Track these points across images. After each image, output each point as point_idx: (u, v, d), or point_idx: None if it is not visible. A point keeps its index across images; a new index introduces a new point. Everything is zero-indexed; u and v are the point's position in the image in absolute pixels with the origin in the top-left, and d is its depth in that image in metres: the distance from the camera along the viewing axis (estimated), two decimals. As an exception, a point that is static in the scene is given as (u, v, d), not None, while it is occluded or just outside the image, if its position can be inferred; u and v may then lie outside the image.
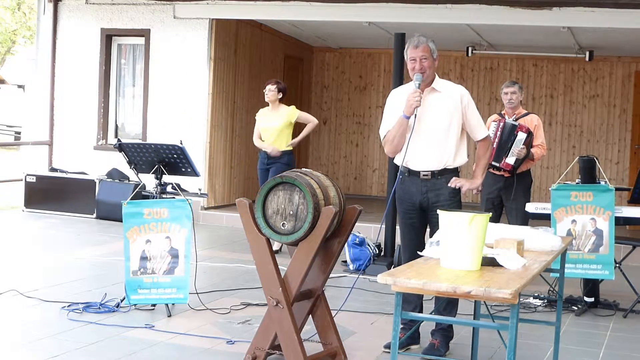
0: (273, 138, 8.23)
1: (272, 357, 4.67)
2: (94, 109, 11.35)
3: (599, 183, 6.41)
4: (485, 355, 4.99)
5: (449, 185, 4.94)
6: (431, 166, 4.96)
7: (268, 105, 8.37)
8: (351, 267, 7.74)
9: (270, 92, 8.20)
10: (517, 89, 7.03)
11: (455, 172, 5.01)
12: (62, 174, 10.85)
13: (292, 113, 8.28)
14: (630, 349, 5.39)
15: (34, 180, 10.81)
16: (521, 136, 6.80)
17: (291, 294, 4.41)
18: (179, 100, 10.87)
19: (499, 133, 6.85)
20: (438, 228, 4.52)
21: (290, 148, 8.30)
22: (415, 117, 4.85)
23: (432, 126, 4.93)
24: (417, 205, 5.02)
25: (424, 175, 4.97)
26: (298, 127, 8.49)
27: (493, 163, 6.83)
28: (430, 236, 4.98)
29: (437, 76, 5.04)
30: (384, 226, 7.78)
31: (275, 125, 8.19)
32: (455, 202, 4.93)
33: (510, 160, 6.84)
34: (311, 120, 8.39)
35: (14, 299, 5.92)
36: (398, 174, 5.09)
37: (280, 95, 8.25)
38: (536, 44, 11.88)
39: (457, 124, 4.95)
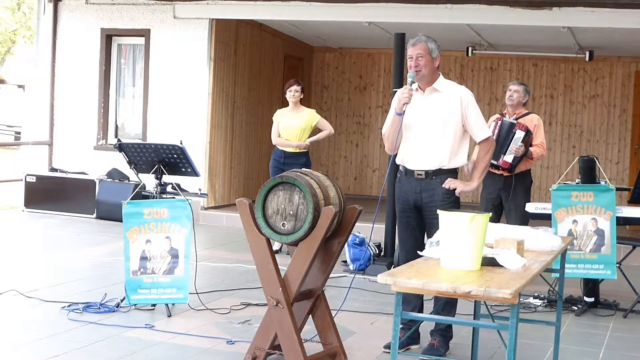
0: (294, 137, 8.27)
1: (272, 357, 4.67)
2: (94, 109, 11.35)
3: (599, 183, 6.41)
4: (485, 355, 4.99)
5: (443, 185, 4.94)
6: (425, 166, 4.96)
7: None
8: (351, 267, 7.74)
9: (297, 92, 8.27)
10: (522, 89, 7.04)
11: (452, 173, 4.99)
12: (62, 174, 10.85)
13: (314, 116, 8.36)
14: (630, 349, 5.39)
15: (34, 180, 10.80)
16: (519, 134, 6.79)
17: (291, 294, 4.41)
18: (179, 100, 10.87)
19: (497, 131, 6.85)
20: (433, 228, 4.55)
21: (307, 150, 8.36)
22: (403, 114, 4.86)
23: (428, 126, 4.93)
24: (412, 204, 5.03)
25: (418, 174, 4.98)
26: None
27: (491, 161, 6.82)
28: (427, 236, 5.00)
29: (441, 76, 5.04)
30: (380, 226, 7.79)
31: (298, 125, 8.25)
32: (450, 203, 4.90)
33: (508, 158, 6.83)
34: (328, 128, 8.47)
35: (14, 299, 5.92)
36: (387, 172, 5.12)
37: (302, 96, 8.33)
38: (536, 44, 11.89)
39: (454, 124, 4.94)
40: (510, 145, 6.79)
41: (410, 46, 4.94)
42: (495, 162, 6.85)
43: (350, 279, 6.33)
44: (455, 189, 4.93)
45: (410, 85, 4.88)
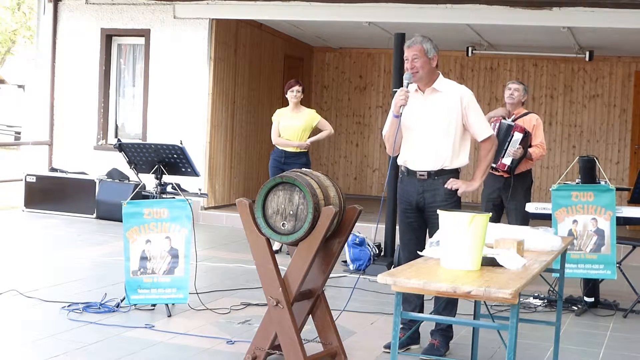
0: (295, 137, 8.28)
1: (272, 357, 4.67)
2: (94, 109, 11.35)
3: (599, 183, 6.41)
4: (485, 355, 4.99)
5: (445, 186, 4.93)
6: (427, 166, 4.95)
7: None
8: (351, 267, 7.75)
9: (298, 93, 8.28)
10: (522, 88, 7.04)
11: (454, 173, 4.99)
12: (62, 174, 10.85)
13: (314, 116, 8.38)
14: (630, 349, 5.39)
15: (34, 180, 10.80)
16: (517, 136, 6.78)
17: (291, 294, 4.41)
18: (179, 100, 10.87)
19: (495, 133, 6.83)
20: (435, 228, 4.54)
21: (307, 150, 8.36)
22: (401, 116, 4.86)
23: (429, 127, 4.93)
24: (414, 205, 5.02)
25: (420, 175, 4.97)
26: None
27: None
28: (429, 236, 5.00)
29: (441, 76, 5.03)
30: (380, 226, 7.79)
31: (298, 125, 8.26)
32: (452, 203, 4.91)
33: (507, 160, 6.83)
34: (328, 129, 8.49)
35: (14, 299, 5.92)
36: (388, 172, 5.11)
37: (302, 96, 8.34)
38: (536, 44, 11.88)
39: (455, 124, 4.93)
40: (509, 148, 6.78)
41: (406, 48, 4.94)
42: (493, 165, 6.84)
43: (350, 279, 6.33)
44: (458, 189, 4.93)
45: (407, 87, 4.88)
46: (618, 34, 10.27)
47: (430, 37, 4.99)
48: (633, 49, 11.83)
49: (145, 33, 11.04)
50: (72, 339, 4.95)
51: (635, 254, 7.03)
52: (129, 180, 10.43)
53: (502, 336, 4.61)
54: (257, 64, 12.13)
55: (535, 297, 6.54)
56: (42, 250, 8.30)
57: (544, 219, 6.42)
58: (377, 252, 7.93)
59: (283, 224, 4.35)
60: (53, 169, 11.16)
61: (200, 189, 6.98)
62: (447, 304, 4.89)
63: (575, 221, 6.25)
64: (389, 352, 4.85)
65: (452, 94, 4.97)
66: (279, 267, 4.49)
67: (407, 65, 4.91)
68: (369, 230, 9.20)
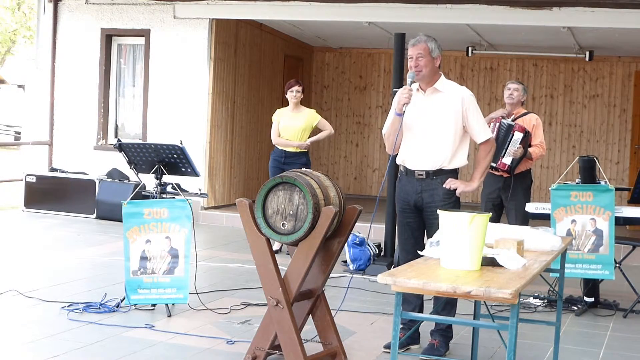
0: (295, 137, 8.29)
1: (272, 357, 4.67)
2: (94, 109, 11.35)
3: (599, 183, 6.42)
4: (485, 355, 4.99)
5: (443, 186, 4.94)
6: (426, 166, 4.95)
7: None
8: (351, 267, 7.75)
9: (298, 93, 8.28)
10: (521, 88, 7.05)
11: (452, 173, 4.99)
12: (62, 174, 10.85)
13: (314, 116, 8.38)
14: (630, 349, 5.39)
15: (34, 180, 10.81)
16: (517, 136, 6.78)
17: (291, 294, 4.41)
18: (179, 100, 10.88)
19: (495, 133, 6.83)
20: (433, 228, 4.55)
21: (307, 150, 8.37)
22: (403, 115, 4.86)
23: (429, 126, 4.93)
24: (412, 205, 5.03)
25: (418, 174, 4.98)
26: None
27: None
28: (428, 236, 5.00)
29: (442, 76, 5.03)
30: (380, 226, 7.80)
31: (299, 125, 8.27)
32: (450, 203, 4.90)
33: (507, 160, 6.83)
34: (328, 129, 8.49)
35: (14, 299, 5.92)
36: (386, 172, 5.12)
37: (302, 96, 8.35)
38: (536, 44, 11.89)
39: (455, 125, 4.93)
40: (509, 147, 6.78)
41: (411, 46, 4.94)
42: (494, 164, 6.84)
43: (349, 279, 6.33)
44: (456, 189, 4.93)
45: (410, 86, 4.89)
46: (618, 34, 10.28)
47: (433, 37, 5.00)
48: (633, 49, 11.83)
49: (145, 33, 11.04)
50: (72, 339, 4.95)
51: (635, 254, 7.03)
52: (129, 180, 10.44)
53: (502, 336, 4.61)
54: (257, 64, 12.14)
55: (535, 297, 6.54)
56: (42, 250, 8.30)
57: (544, 219, 6.42)
58: (377, 252, 7.93)
59: (283, 224, 4.35)
60: (53, 169, 11.16)
61: (200, 189, 6.99)
62: (445, 304, 4.89)
63: (573, 221, 6.25)
64: (389, 352, 4.85)
65: (453, 94, 4.97)
66: (279, 267, 4.49)
67: (410, 63, 4.91)
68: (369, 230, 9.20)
